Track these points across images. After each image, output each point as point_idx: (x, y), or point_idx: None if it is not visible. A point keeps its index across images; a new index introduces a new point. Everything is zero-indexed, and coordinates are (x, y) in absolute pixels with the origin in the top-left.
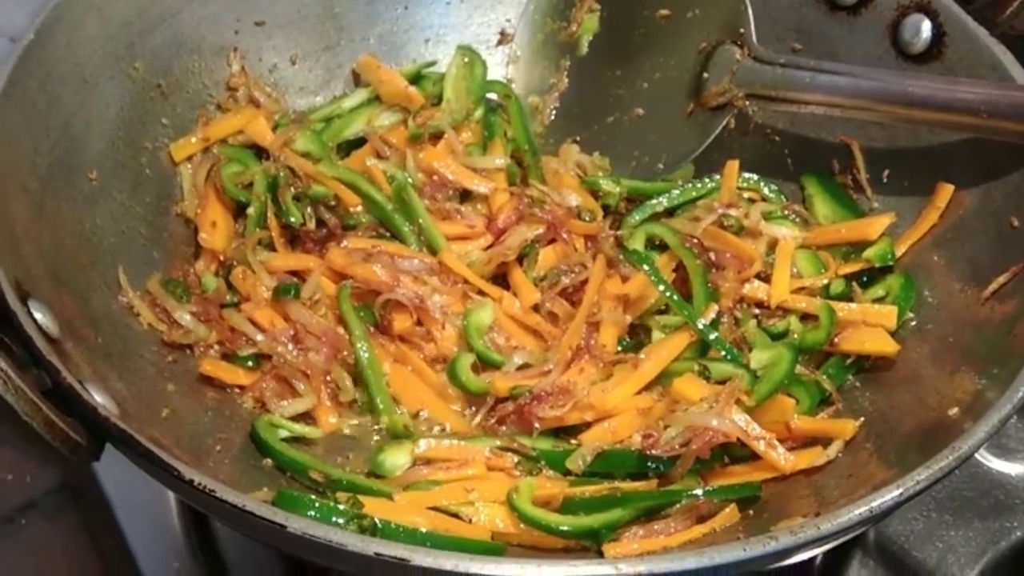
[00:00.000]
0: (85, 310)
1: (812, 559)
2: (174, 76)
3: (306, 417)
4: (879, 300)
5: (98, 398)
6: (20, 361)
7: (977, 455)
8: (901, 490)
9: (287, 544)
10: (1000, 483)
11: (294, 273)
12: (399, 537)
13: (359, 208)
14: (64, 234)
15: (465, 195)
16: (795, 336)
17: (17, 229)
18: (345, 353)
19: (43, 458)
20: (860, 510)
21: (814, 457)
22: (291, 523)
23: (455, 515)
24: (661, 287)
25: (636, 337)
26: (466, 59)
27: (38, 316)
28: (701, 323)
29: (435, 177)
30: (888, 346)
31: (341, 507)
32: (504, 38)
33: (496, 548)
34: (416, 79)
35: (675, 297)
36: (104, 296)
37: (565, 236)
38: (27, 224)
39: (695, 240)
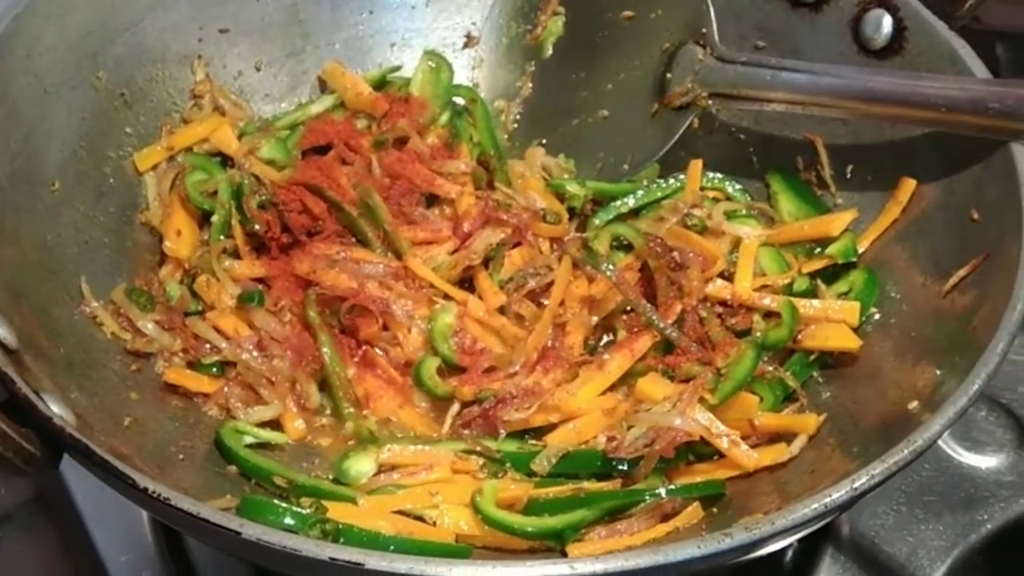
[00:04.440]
0: (46, 321)
1: (783, 554)
2: (137, 85)
3: (272, 423)
4: (843, 295)
5: (55, 409)
6: None
7: (947, 448)
8: (855, 485)
9: (244, 551)
10: (970, 476)
11: (259, 280)
12: (362, 541)
13: (324, 214)
14: (25, 246)
15: (431, 199)
16: (758, 334)
17: None
18: (310, 359)
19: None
20: (815, 505)
21: (778, 454)
22: (245, 529)
23: (420, 518)
24: (622, 289)
25: (602, 336)
26: (432, 63)
27: None
28: (664, 323)
29: (400, 182)
30: (851, 342)
31: (304, 512)
32: (470, 41)
33: (461, 550)
34: (382, 84)
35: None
36: (66, 307)
37: (531, 239)
38: None
39: (659, 240)
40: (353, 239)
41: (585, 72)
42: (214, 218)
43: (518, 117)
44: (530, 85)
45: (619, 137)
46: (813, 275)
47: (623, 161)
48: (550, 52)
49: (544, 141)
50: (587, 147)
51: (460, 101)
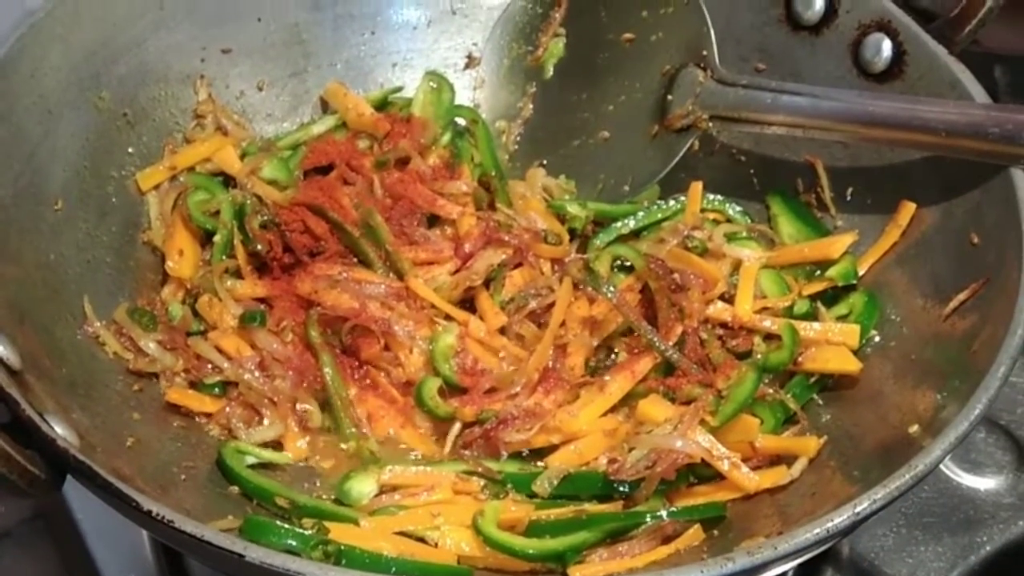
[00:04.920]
0: (49, 341)
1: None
2: (140, 105)
3: (274, 444)
4: (843, 318)
5: (59, 430)
6: None
7: (947, 470)
8: (857, 509)
9: (247, 573)
10: (969, 498)
11: (261, 300)
12: (364, 563)
13: (326, 235)
14: (28, 265)
15: (433, 220)
16: (759, 356)
17: None
18: (312, 379)
19: (5, 492)
20: (816, 530)
21: (778, 476)
22: (249, 552)
23: (422, 539)
24: (624, 312)
25: (603, 357)
26: (433, 84)
27: None
28: (665, 345)
29: (402, 202)
30: (851, 364)
31: (307, 533)
32: (471, 62)
33: (462, 572)
34: (383, 104)
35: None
36: (69, 327)
37: (532, 260)
38: None
39: (660, 261)
40: (355, 259)
41: (586, 93)
42: (216, 238)
43: (519, 138)
44: (531, 106)
45: (620, 158)
46: (813, 297)
47: (624, 182)
48: (551, 73)
49: (545, 162)
50: (588, 168)
51: (461, 122)
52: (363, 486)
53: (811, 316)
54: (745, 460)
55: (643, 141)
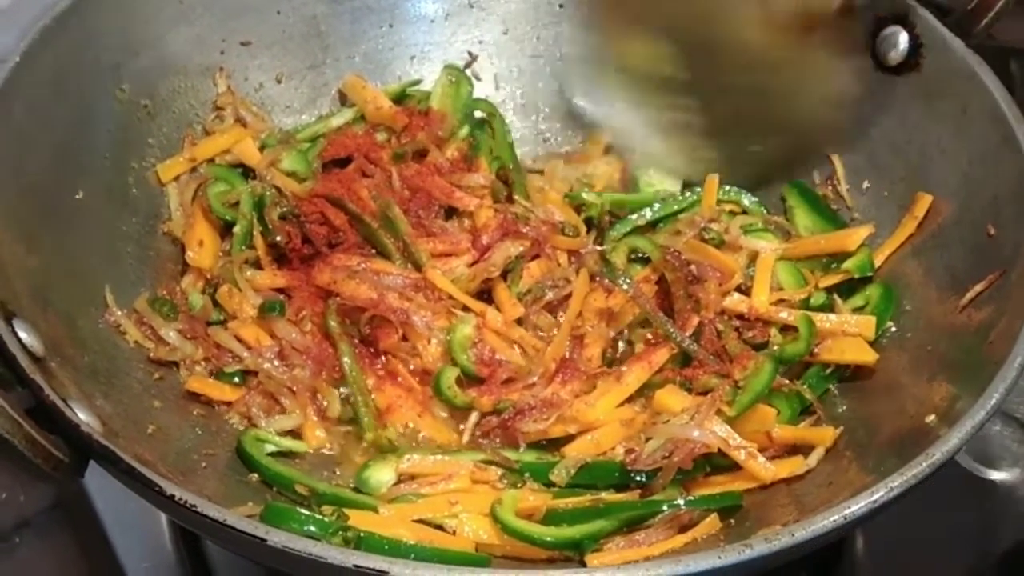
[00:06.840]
0: (71, 329)
1: (800, 565)
2: (160, 97)
3: (293, 432)
4: (859, 310)
5: (82, 416)
6: (4, 380)
7: (962, 462)
8: (874, 498)
9: (268, 558)
10: (985, 491)
11: (280, 291)
12: (383, 549)
13: (345, 226)
14: (50, 254)
15: (450, 212)
16: (775, 347)
17: (2, 250)
18: (331, 368)
19: (29, 475)
20: (834, 518)
21: (795, 466)
22: (271, 536)
23: (440, 527)
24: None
25: (620, 348)
26: (452, 77)
27: (23, 335)
28: (681, 336)
29: (420, 194)
30: (867, 355)
31: (327, 520)
32: None
33: (480, 559)
34: (401, 97)
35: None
36: (91, 315)
37: (549, 251)
38: (12, 245)
39: (676, 253)
40: (373, 251)
41: None
42: (236, 229)
43: None
44: None
45: None
46: (829, 289)
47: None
48: None
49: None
50: None
51: (479, 115)
52: (382, 475)
53: (827, 308)
54: (762, 450)
55: None
